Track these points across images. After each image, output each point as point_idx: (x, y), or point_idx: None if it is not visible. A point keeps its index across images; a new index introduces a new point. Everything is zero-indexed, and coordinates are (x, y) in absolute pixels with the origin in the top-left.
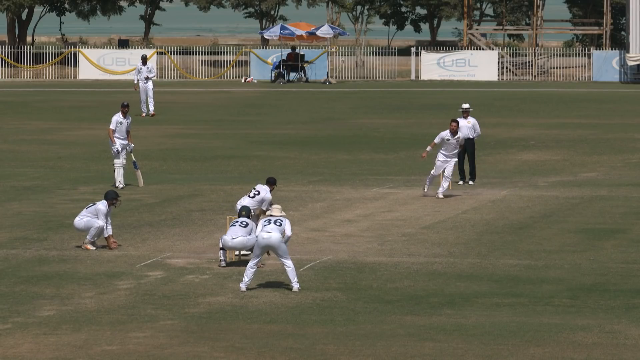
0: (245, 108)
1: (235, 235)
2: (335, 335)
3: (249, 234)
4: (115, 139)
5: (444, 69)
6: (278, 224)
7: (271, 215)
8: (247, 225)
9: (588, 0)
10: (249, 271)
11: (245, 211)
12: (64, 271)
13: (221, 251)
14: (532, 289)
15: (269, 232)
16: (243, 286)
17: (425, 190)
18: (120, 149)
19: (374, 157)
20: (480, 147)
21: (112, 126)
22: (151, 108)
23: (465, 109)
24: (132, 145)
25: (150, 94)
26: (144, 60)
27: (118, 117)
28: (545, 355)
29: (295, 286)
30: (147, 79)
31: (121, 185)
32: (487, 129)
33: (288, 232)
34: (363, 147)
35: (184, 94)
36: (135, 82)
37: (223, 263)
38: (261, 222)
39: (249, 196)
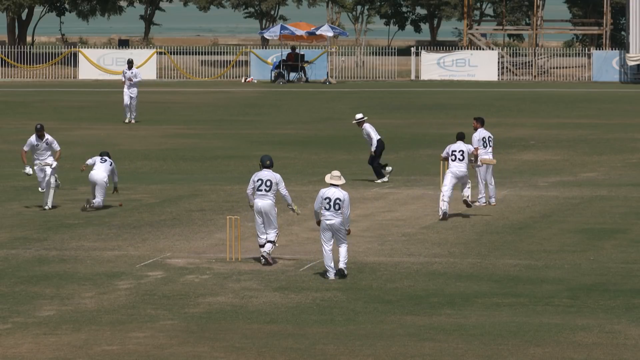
0: (245, 108)
1: (264, 199)
2: (335, 335)
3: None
4: (35, 161)
5: (444, 69)
6: (337, 207)
7: (331, 185)
8: (270, 186)
9: (588, 0)
10: (327, 256)
11: (270, 161)
12: (64, 271)
13: (262, 248)
14: (532, 289)
15: (330, 220)
16: (331, 275)
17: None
18: (29, 172)
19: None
20: None
21: (25, 147)
22: (133, 115)
23: (359, 119)
24: (55, 164)
25: (134, 101)
26: (130, 64)
27: (32, 139)
28: (545, 355)
29: (342, 265)
30: (131, 82)
31: (47, 207)
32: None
33: (346, 211)
34: (363, 147)
35: (184, 94)
36: (123, 81)
37: (264, 260)
38: (320, 197)
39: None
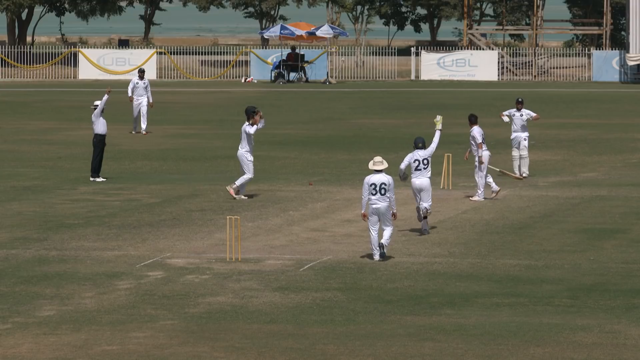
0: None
1: (422, 176)
2: (335, 335)
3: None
4: None
5: (444, 69)
6: (383, 191)
7: (375, 171)
8: (428, 164)
9: (588, 0)
10: (374, 239)
11: (422, 143)
12: (64, 271)
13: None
14: (532, 289)
15: (376, 204)
16: (376, 256)
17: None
18: None
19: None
20: None
21: None
22: (143, 126)
23: None
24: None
25: (144, 111)
26: (142, 74)
27: None
28: (545, 355)
29: (384, 240)
30: (144, 91)
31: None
32: (488, 128)
33: (392, 195)
34: (363, 147)
35: (184, 94)
36: (130, 94)
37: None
38: (366, 184)
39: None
